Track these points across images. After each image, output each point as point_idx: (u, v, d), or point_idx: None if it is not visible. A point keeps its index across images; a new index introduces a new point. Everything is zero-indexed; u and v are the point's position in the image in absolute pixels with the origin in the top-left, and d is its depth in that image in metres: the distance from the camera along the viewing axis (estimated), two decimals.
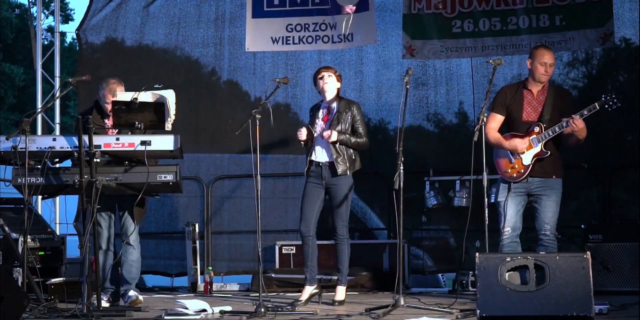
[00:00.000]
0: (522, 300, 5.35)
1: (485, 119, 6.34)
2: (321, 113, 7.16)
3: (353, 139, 7.05)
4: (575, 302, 5.30)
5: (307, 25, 9.25)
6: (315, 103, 7.41)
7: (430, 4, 9.02)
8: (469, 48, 8.94)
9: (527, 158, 6.55)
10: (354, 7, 9.11)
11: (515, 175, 6.56)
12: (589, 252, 5.43)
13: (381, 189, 9.16)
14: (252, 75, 9.59)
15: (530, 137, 6.56)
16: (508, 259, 5.47)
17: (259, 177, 6.35)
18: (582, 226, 8.04)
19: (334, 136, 6.97)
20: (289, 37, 9.28)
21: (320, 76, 7.16)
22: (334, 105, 7.15)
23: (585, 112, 6.40)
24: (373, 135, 9.54)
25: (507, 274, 5.43)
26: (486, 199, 6.27)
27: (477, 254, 5.51)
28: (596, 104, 6.38)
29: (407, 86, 6.53)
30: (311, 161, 7.10)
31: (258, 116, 6.35)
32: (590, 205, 9.24)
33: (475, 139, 6.34)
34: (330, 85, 7.14)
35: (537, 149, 6.54)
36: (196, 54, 9.71)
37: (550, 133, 6.49)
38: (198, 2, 9.70)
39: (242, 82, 9.67)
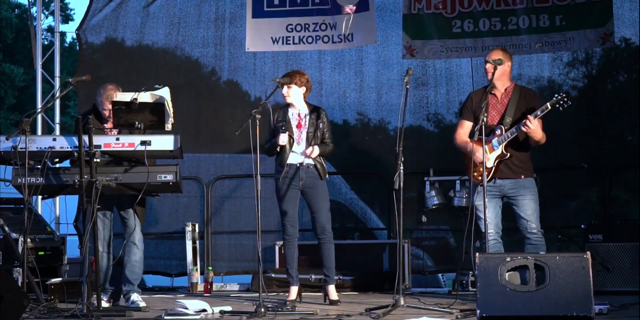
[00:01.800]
0: (522, 300, 5.34)
1: (485, 119, 6.36)
2: (293, 120, 7.11)
3: (327, 149, 7.08)
4: (575, 302, 5.29)
5: (307, 25, 9.25)
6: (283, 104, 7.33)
7: (430, 4, 9.02)
8: (469, 48, 8.94)
9: (490, 161, 6.59)
10: (354, 7, 9.11)
11: (480, 178, 6.58)
12: (589, 252, 5.43)
13: (381, 189, 9.16)
14: (252, 75, 9.60)
15: (492, 140, 6.58)
16: (508, 259, 5.46)
17: (259, 177, 6.35)
18: (582, 226, 8.04)
19: (317, 151, 6.99)
20: (289, 37, 9.28)
21: (282, 91, 7.12)
22: (304, 111, 7.13)
23: (539, 113, 6.42)
24: (373, 135, 9.57)
25: (507, 274, 5.42)
26: (486, 199, 6.27)
27: (477, 254, 5.51)
28: (547, 104, 6.40)
29: (407, 86, 6.52)
30: (287, 164, 7.07)
31: (258, 116, 6.35)
32: (590, 205, 9.24)
33: (475, 139, 6.36)
34: (292, 97, 7.08)
35: (498, 151, 6.58)
36: (196, 54, 9.71)
37: (509, 135, 6.53)
38: (198, 2, 9.70)
39: (242, 82, 9.67)
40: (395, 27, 9.21)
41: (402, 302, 6.24)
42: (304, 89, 7.09)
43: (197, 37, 9.68)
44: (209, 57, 9.69)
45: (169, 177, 6.34)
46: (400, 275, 6.33)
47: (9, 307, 5.51)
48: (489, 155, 6.58)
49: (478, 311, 5.37)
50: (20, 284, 6.47)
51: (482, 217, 6.45)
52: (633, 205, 8.85)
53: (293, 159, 7.07)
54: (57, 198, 9.25)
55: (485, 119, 6.36)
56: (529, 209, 6.59)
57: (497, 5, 8.86)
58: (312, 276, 8.24)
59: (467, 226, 6.55)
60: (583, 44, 8.66)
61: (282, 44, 9.31)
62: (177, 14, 9.71)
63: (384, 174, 8.72)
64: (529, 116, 6.41)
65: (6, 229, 7.29)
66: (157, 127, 6.32)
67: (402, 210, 6.30)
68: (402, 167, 6.32)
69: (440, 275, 10.52)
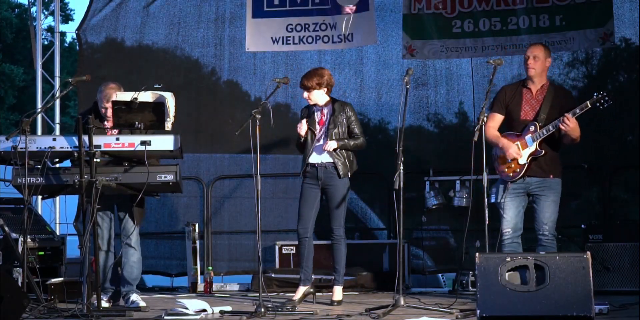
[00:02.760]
0: (522, 300, 5.35)
1: (485, 119, 6.35)
2: (316, 116, 7.15)
3: (352, 142, 7.07)
4: (575, 302, 5.30)
5: (307, 25, 9.25)
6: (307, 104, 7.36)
7: (430, 4, 9.02)
8: (469, 48, 8.94)
9: (523, 158, 6.56)
10: (354, 7, 9.11)
11: (511, 174, 6.58)
12: (589, 252, 5.43)
13: (381, 189, 9.16)
14: (252, 75, 9.59)
15: (526, 137, 6.57)
16: (508, 259, 5.47)
17: (259, 177, 6.35)
18: (582, 226, 8.04)
19: (333, 145, 6.99)
20: (289, 37, 9.28)
21: (303, 95, 7.14)
22: (328, 108, 7.15)
23: (578, 111, 6.40)
24: (373, 135, 9.57)
25: (507, 274, 5.43)
26: (486, 199, 6.27)
27: (477, 254, 5.51)
28: (588, 102, 6.39)
29: (407, 86, 6.53)
30: (307, 163, 7.11)
31: (258, 116, 6.35)
32: (590, 205, 9.24)
33: (476, 139, 6.35)
34: (314, 99, 7.12)
35: (532, 148, 6.56)
36: (196, 54, 9.71)
37: (544, 132, 6.51)
38: (198, 2, 9.70)
39: (242, 82, 9.67)
40: (395, 27, 9.21)
41: (402, 302, 6.24)
42: (324, 89, 7.11)
43: (197, 37, 9.67)
44: (209, 57, 9.69)
45: (169, 177, 6.35)
46: (400, 275, 6.33)
47: (9, 307, 5.51)
48: (521, 152, 6.56)
49: (478, 311, 5.37)
50: (20, 284, 6.47)
51: (504, 215, 6.46)
52: (633, 205, 8.86)
53: (313, 158, 7.08)
54: (57, 198, 9.25)
55: (484, 119, 6.35)
56: (548, 210, 6.56)
57: (497, 5, 8.85)
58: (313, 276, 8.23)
59: (467, 226, 6.55)
60: (583, 44, 8.66)
61: (282, 44, 9.31)
62: (177, 14, 9.71)
63: (384, 174, 8.72)
64: (567, 114, 6.39)
65: (6, 229, 7.29)
66: (157, 127, 6.32)
67: (402, 210, 6.30)
68: (402, 167, 6.32)
69: (440, 275, 10.52)
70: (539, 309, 5.32)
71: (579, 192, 9.17)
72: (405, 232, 8.24)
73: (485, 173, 6.34)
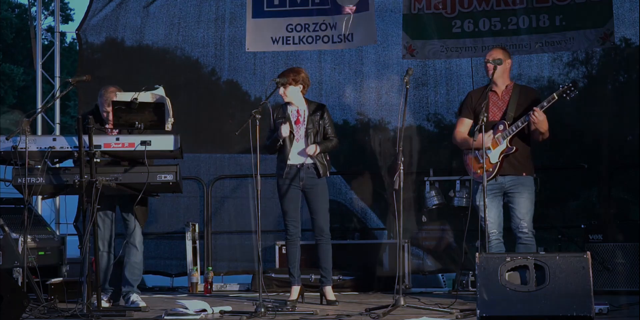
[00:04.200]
0: (522, 300, 5.35)
1: (485, 119, 6.36)
2: (292, 116, 7.11)
3: (330, 145, 7.08)
4: (575, 302, 5.30)
5: (307, 25, 9.25)
6: (278, 103, 7.29)
7: (430, 4, 9.02)
8: (469, 48, 8.94)
9: (494, 156, 6.59)
10: (354, 7, 9.11)
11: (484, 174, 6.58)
12: (589, 252, 5.43)
13: (381, 189, 9.15)
14: (252, 75, 9.59)
15: (495, 135, 6.59)
16: (508, 259, 5.47)
17: (259, 177, 6.35)
18: (582, 226, 8.04)
19: (316, 150, 6.98)
20: (289, 37, 9.28)
21: (279, 92, 7.12)
22: (304, 108, 7.13)
23: (545, 104, 6.45)
24: (373, 135, 9.56)
25: (507, 274, 5.43)
26: (488, 199, 6.27)
27: (477, 254, 5.51)
28: (554, 94, 6.44)
29: (407, 86, 6.53)
30: (288, 164, 7.08)
31: (258, 116, 6.35)
32: (590, 205, 9.24)
33: (476, 139, 6.36)
34: (290, 96, 7.07)
35: (503, 146, 6.59)
36: (196, 54, 9.71)
37: (514, 128, 6.55)
38: (198, 2, 9.70)
39: (242, 82, 9.67)
40: (395, 27, 9.20)
41: (402, 302, 6.24)
42: (300, 86, 7.08)
43: (197, 37, 9.67)
44: (209, 57, 9.69)
45: (169, 177, 6.35)
46: (400, 275, 6.34)
47: (9, 307, 5.51)
48: (492, 151, 6.58)
49: (478, 311, 5.37)
50: (20, 284, 6.47)
51: (487, 217, 6.46)
52: (633, 205, 8.85)
53: (294, 159, 7.07)
54: (57, 198, 9.25)
55: (485, 118, 6.36)
56: (523, 207, 6.59)
57: (497, 5, 8.85)
58: (312, 276, 8.23)
59: (467, 226, 6.55)
60: (583, 44, 8.66)
61: (282, 44, 9.30)
62: (177, 14, 9.71)
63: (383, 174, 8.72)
64: (535, 108, 6.43)
65: (6, 229, 7.29)
66: (157, 127, 6.32)
67: (402, 210, 6.30)
68: (402, 167, 6.32)
69: (440, 275, 10.52)
70: (538, 309, 5.32)
71: (579, 192, 9.17)
72: (405, 232, 8.24)
73: (485, 173, 6.34)
